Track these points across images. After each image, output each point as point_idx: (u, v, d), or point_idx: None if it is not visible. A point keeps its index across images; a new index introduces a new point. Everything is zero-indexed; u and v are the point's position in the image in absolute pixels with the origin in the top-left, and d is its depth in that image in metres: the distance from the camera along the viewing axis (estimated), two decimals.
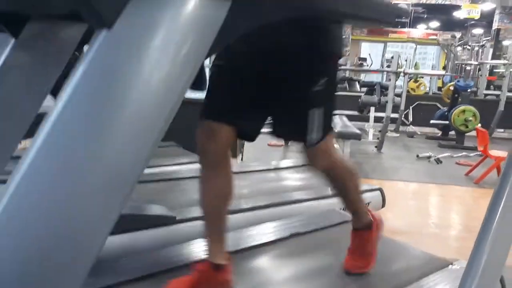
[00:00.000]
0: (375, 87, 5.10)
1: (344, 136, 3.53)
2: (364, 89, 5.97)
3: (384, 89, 5.04)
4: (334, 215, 1.94)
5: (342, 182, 1.38)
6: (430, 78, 8.76)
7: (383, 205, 2.68)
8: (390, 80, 4.47)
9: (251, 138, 1.31)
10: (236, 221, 1.91)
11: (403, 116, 5.87)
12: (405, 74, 4.72)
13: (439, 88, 8.57)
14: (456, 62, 7.42)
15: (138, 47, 0.56)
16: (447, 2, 7.06)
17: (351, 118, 6.00)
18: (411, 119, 6.16)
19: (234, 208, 1.54)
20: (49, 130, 0.46)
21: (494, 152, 3.70)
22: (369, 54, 12.10)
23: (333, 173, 1.35)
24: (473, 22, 9.28)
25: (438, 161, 4.36)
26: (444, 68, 9.99)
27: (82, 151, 0.48)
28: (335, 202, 1.79)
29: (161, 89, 0.58)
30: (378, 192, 2.68)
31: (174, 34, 0.60)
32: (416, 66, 6.37)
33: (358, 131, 3.59)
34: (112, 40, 0.55)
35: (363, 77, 8.23)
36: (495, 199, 0.82)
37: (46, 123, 0.46)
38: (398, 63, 4.49)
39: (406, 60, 7.81)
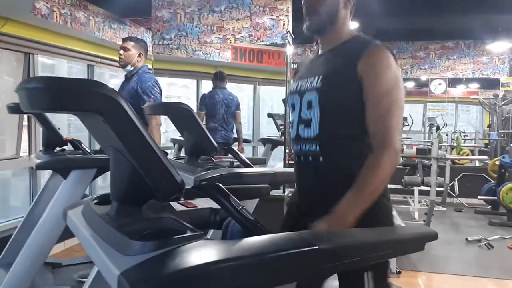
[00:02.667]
0: (417, 165, 5.15)
1: None
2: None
3: (426, 167, 5.08)
4: None
5: None
6: (475, 141, 8.62)
7: None
8: (431, 161, 4.53)
9: None
10: None
11: (448, 188, 5.83)
12: (446, 159, 4.77)
13: (486, 145, 8.39)
14: (500, 131, 7.29)
15: None
16: (484, 76, 7.11)
17: (394, 191, 6.03)
18: (457, 192, 6.08)
19: None
20: None
21: None
22: (409, 114, 12.14)
23: None
24: None
25: (489, 246, 4.28)
26: (489, 126, 9.80)
27: None
28: None
29: None
30: None
31: None
32: (457, 140, 6.35)
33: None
34: None
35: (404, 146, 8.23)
36: None
37: None
38: (438, 145, 4.56)
39: (446, 125, 7.73)
